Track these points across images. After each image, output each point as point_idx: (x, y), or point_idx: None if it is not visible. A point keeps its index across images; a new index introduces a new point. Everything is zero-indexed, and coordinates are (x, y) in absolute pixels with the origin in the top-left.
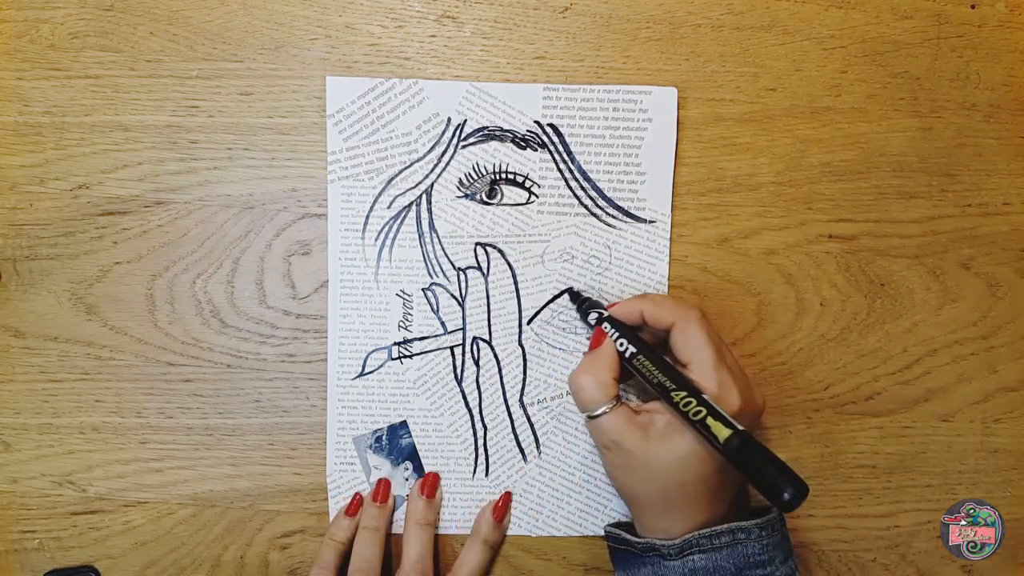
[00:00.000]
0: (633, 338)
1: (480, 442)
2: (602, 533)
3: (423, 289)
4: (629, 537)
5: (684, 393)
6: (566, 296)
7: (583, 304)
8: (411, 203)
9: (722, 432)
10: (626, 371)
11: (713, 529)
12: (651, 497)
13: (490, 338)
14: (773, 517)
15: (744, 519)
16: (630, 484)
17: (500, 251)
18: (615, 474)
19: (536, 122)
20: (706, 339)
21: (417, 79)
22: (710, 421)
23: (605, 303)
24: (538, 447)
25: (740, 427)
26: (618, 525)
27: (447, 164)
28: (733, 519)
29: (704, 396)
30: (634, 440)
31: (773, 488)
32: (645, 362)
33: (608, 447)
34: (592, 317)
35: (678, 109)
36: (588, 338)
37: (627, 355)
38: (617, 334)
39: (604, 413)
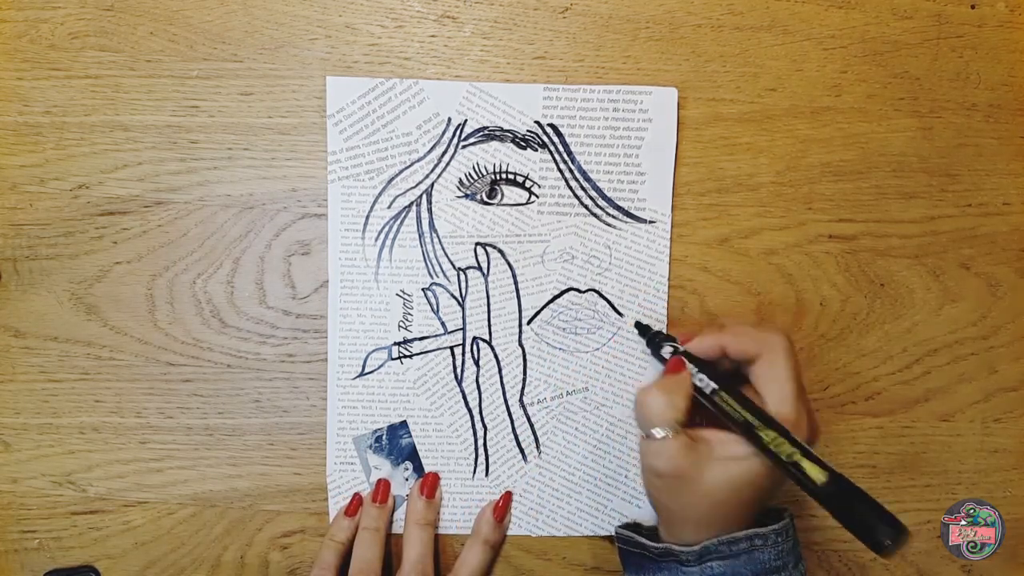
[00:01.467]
0: (714, 373)
1: (480, 442)
2: (603, 533)
3: (423, 289)
4: (645, 541)
5: (774, 433)
6: (566, 297)
7: (654, 338)
8: (411, 203)
9: (818, 476)
10: (696, 409)
11: (732, 536)
12: (696, 514)
13: (490, 338)
14: (787, 523)
15: (760, 523)
16: (674, 504)
17: (500, 251)
18: (660, 495)
19: (536, 122)
20: (791, 372)
21: (417, 79)
22: (805, 464)
23: (677, 336)
24: (538, 447)
25: (835, 469)
26: (628, 527)
27: (447, 164)
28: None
29: (793, 436)
30: (688, 469)
31: (871, 534)
32: (728, 399)
33: (659, 475)
34: (667, 351)
35: (678, 109)
36: (661, 362)
37: (708, 392)
38: (696, 369)
39: (665, 436)
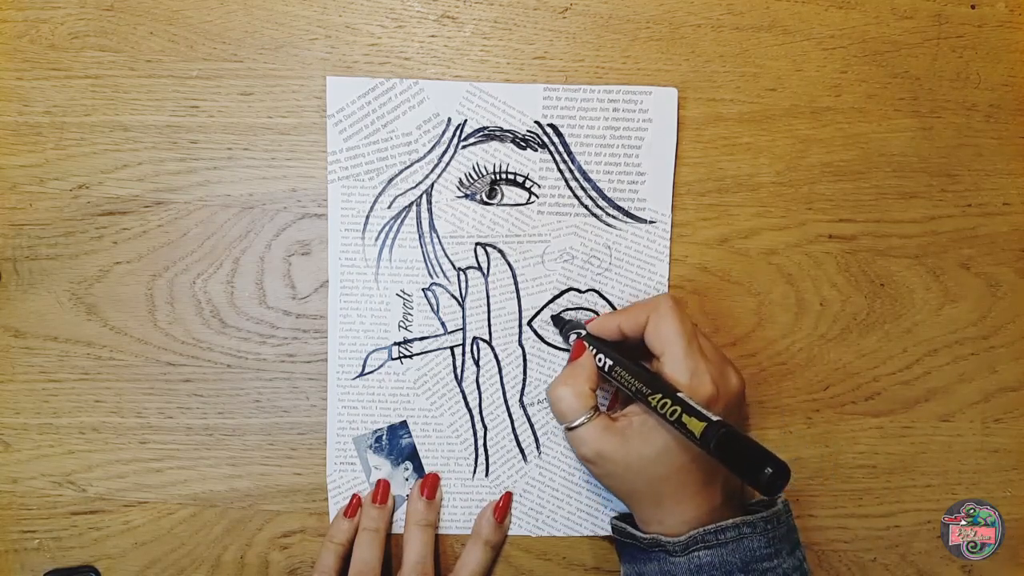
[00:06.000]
0: (609, 351)
1: (480, 442)
2: (603, 533)
3: (423, 289)
4: (635, 532)
5: (660, 395)
6: (566, 297)
7: (564, 327)
8: (411, 203)
9: (697, 427)
10: (606, 381)
11: (719, 525)
12: (641, 493)
13: (490, 338)
14: (779, 510)
15: (753, 510)
16: (618, 486)
17: (500, 251)
18: (604, 481)
19: (536, 122)
20: (677, 327)
21: (417, 79)
22: (685, 418)
23: (585, 320)
24: (538, 447)
25: (715, 418)
26: (623, 518)
27: (447, 164)
28: (740, 510)
29: (679, 394)
30: (613, 447)
31: (753, 472)
32: (622, 373)
33: (590, 460)
34: (572, 338)
35: (678, 109)
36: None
37: (605, 369)
38: (594, 350)
39: (582, 424)
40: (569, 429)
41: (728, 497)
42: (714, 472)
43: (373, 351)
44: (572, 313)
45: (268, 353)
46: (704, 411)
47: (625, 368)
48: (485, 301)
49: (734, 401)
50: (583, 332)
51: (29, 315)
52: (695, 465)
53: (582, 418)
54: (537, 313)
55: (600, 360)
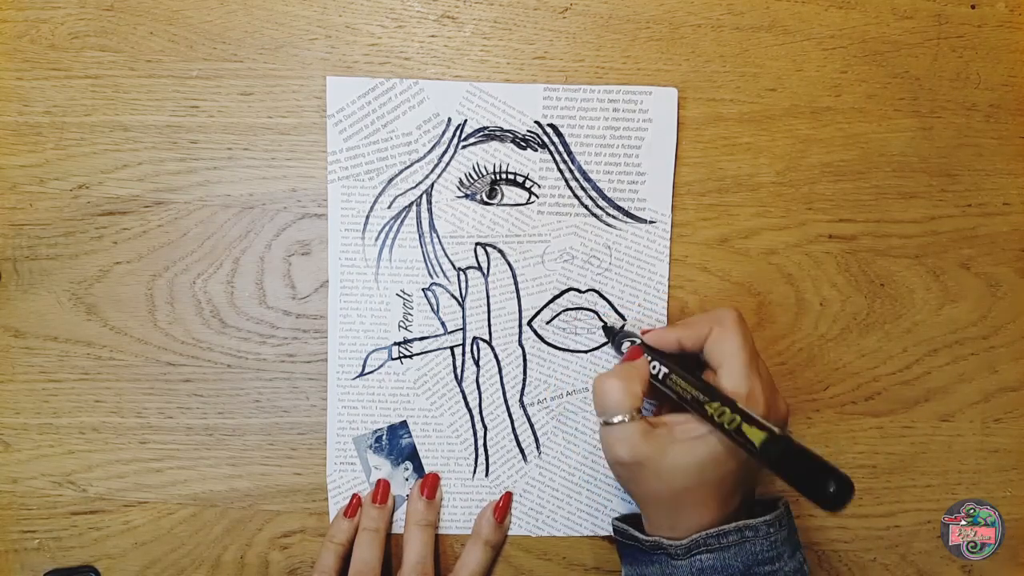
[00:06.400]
0: (664, 360)
1: (480, 442)
2: (603, 533)
3: (423, 289)
4: (637, 534)
5: (717, 404)
6: (566, 297)
7: (617, 336)
8: (411, 203)
9: (757, 437)
10: (654, 393)
11: (720, 528)
12: (663, 500)
13: (490, 338)
14: (780, 512)
15: (753, 512)
16: (640, 491)
17: (500, 251)
18: (626, 485)
19: (536, 122)
20: (741, 343)
21: (417, 79)
22: (744, 427)
23: (639, 330)
24: (538, 447)
25: (776, 430)
26: (624, 519)
27: (447, 164)
28: (743, 513)
29: (738, 404)
30: (651, 453)
31: (815, 487)
32: (678, 380)
33: (623, 462)
34: (625, 345)
35: (678, 109)
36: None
37: (660, 376)
38: (650, 357)
39: (623, 422)
40: (607, 424)
41: (738, 505)
42: (740, 484)
43: (373, 351)
44: (579, 314)
45: (268, 353)
46: (765, 422)
47: (681, 376)
48: (485, 301)
49: (782, 427)
50: (638, 340)
51: (29, 315)
52: (729, 478)
53: (624, 416)
54: (537, 313)
55: (655, 368)
